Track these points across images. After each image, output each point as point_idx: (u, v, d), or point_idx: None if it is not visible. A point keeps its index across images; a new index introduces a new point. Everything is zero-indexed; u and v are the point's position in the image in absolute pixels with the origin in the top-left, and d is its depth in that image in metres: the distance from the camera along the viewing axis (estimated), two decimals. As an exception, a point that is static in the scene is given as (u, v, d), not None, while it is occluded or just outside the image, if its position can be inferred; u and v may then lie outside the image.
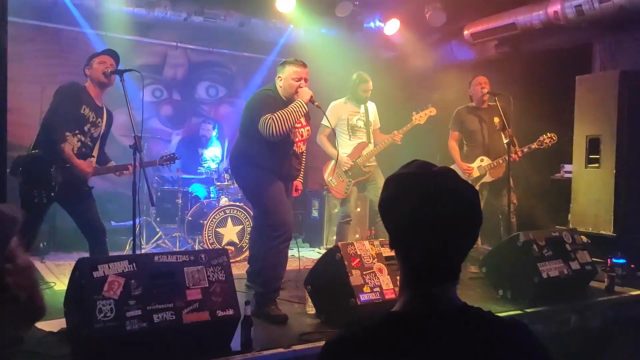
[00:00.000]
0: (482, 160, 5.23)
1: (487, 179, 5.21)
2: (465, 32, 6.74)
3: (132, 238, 4.14)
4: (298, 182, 4.27)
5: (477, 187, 5.17)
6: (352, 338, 1.16)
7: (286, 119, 3.60)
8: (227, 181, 6.14)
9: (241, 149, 3.89)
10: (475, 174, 5.21)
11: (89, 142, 3.95)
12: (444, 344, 1.11)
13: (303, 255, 5.20)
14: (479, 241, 5.55)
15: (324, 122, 4.98)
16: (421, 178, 1.18)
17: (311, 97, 3.74)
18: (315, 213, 7.13)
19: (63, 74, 6.11)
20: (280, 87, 3.82)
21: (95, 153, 4.04)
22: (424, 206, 1.15)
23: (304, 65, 3.83)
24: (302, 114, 3.72)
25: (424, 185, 1.16)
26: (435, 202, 1.14)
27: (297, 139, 3.86)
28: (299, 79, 3.76)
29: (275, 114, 3.59)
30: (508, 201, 4.98)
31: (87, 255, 3.89)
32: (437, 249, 1.15)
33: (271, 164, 3.73)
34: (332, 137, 5.15)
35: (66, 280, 2.88)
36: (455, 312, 1.17)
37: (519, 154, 5.04)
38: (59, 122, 3.79)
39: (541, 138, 5.06)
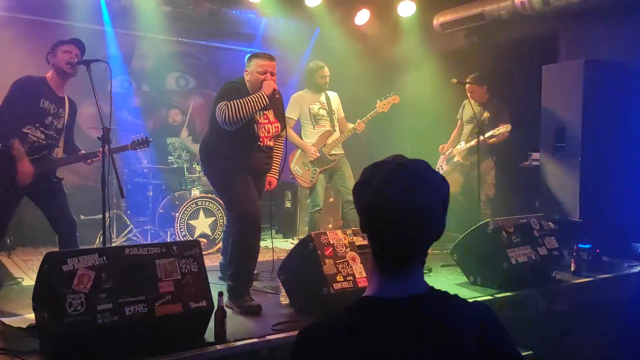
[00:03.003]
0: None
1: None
2: (435, 22, 6.79)
3: (102, 232, 4.08)
4: (272, 178, 4.25)
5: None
6: (325, 324, 1.19)
7: (240, 107, 3.58)
8: (198, 173, 6.09)
9: (207, 140, 3.92)
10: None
11: (53, 134, 3.88)
12: (412, 327, 1.15)
13: (276, 246, 5.20)
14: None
15: (287, 114, 4.99)
16: (392, 165, 1.21)
17: (274, 90, 3.71)
18: (288, 204, 7.13)
19: (28, 65, 5.95)
20: (248, 80, 3.80)
21: (61, 144, 3.97)
22: (390, 191, 1.17)
23: (271, 58, 3.80)
24: (261, 106, 3.67)
25: (393, 172, 1.19)
26: (402, 188, 1.17)
27: (262, 134, 3.82)
28: (264, 72, 3.73)
29: (230, 102, 3.59)
30: (478, 191, 5.13)
31: (56, 250, 3.82)
32: (403, 234, 1.18)
33: (235, 156, 3.73)
34: (297, 129, 5.20)
35: (34, 276, 2.82)
36: (422, 295, 1.20)
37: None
38: (11, 116, 3.70)
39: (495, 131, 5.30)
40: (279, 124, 3.96)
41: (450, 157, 6.05)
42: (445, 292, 1.25)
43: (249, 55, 3.88)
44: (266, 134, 3.86)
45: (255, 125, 3.77)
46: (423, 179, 1.20)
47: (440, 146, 6.20)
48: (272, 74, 3.76)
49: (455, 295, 1.24)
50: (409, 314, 1.16)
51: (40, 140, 3.80)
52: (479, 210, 5.27)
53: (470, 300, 1.28)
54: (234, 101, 3.60)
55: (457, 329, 1.17)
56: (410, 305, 1.18)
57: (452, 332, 1.17)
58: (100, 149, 3.80)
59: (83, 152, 4.16)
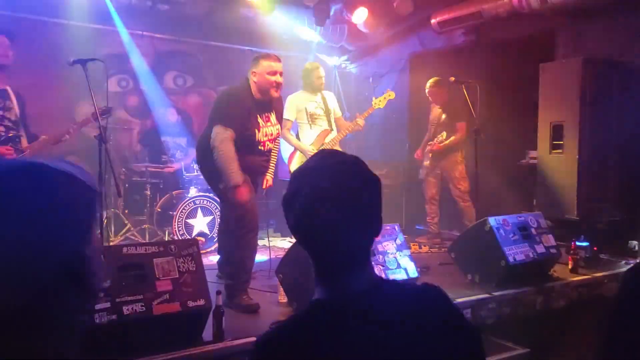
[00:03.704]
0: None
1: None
2: (433, 21, 6.79)
3: (99, 231, 4.08)
4: (269, 177, 4.27)
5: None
6: (279, 331, 1.17)
7: (222, 161, 3.56)
8: (196, 172, 6.08)
9: (206, 137, 3.87)
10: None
11: (12, 126, 3.87)
12: (366, 323, 1.13)
13: (275, 245, 5.20)
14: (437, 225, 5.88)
15: (285, 115, 5.02)
16: (316, 171, 1.18)
17: (236, 184, 3.60)
18: (286, 202, 7.11)
19: (23, 65, 5.94)
20: (255, 82, 3.74)
21: (22, 133, 3.96)
22: (313, 201, 1.14)
23: (279, 59, 3.76)
24: (227, 182, 3.59)
25: (316, 179, 1.16)
26: (324, 196, 1.13)
27: (263, 139, 3.80)
28: (274, 74, 3.69)
29: (224, 152, 3.54)
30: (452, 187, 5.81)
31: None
32: (333, 243, 1.15)
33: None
34: (296, 129, 5.21)
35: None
36: (369, 291, 1.18)
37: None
38: None
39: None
40: (279, 126, 3.97)
41: (423, 162, 6.26)
42: (394, 281, 1.24)
43: (256, 56, 3.85)
44: (268, 138, 3.85)
45: (257, 129, 3.75)
46: (347, 177, 1.16)
47: (415, 154, 6.37)
48: (280, 74, 3.74)
49: (406, 282, 1.25)
50: (360, 310, 1.15)
51: (1, 133, 3.77)
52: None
53: (420, 284, 1.28)
54: (225, 155, 3.54)
55: (411, 315, 1.16)
56: (360, 301, 1.16)
57: (407, 319, 1.16)
58: (70, 127, 3.76)
59: (44, 136, 4.09)
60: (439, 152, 6.01)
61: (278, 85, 3.71)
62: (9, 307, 0.78)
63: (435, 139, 5.99)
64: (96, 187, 0.93)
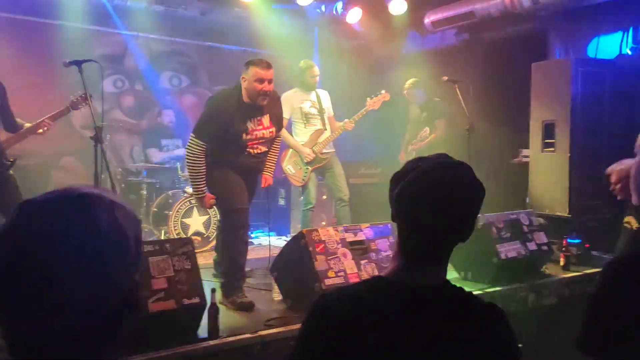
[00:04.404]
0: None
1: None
2: (426, 21, 6.84)
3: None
4: (267, 176, 4.27)
5: None
6: (339, 294, 1.24)
7: (191, 173, 3.77)
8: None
9: None
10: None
11: None
12: (420, 316, 1.19)
13: (270, 244, 5.23)
14: None
15: None
16: (434, 162, 1.26)
17: (210, 204, 3.86)
18: (281, 201, 7.16)
19: (19, 66, 5.97)
20: (245, 88, 3.75)
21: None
22: (426, 184, 1.23)
23: (269, 66, 3.73)
24: (196, 196, 3.92)
25: (434, 167, 1.25)
26: (437, 183, 1.22)
27: (252, 141, 3.80)
28: (262, 81, 3.67)
29: (198, 163, 3.71)
30: None
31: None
32: (429, 227, 1.23)
33: (222, 157, 3.76)
34: (289, 127, 5.24)
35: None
36: (437, 288, 1.24)
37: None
38: None
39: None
40: (274, 129, 3.92)
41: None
42: (460, 289, 1.27)
43: (248, 61, 3.82)
44: (257, 141, 3.83)
45: (244, 134, 3.74)
46: (459, 179, 1.25)
47: (399, 157, 6.43)
48: (269, 82, 3.70)
49: (470, 293, 1.27)
50: (417, 303, 1.20)
51: None
52: None
53: (486, 302, 1.29)
54: (196, 169, 3.73)
55: (467, 328, 1.20)
56: (420, 295, 1.21)
57: (462, 330, 1.19)
58: (45, 117, 3.82)
59: (27, 125, 4.07)
60: (421, 149, 6.08)
61: (265, 94, 3.69)
62: (80, 328, 0.84)
63: (419, 136, 6.05)
64: (136, 214, 0.98)
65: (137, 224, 0.94)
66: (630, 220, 4.15)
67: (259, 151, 3.88)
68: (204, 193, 3.78)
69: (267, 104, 3.78)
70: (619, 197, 4.39)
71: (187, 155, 3.76)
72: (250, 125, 3.76)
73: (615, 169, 4.31)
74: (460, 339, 1.18)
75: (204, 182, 3.76)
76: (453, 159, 1.29)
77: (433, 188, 1.22)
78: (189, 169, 3.80)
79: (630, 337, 1.30)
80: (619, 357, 1.32)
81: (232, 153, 3.77)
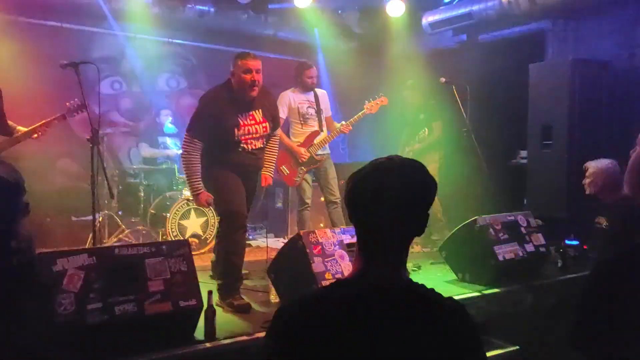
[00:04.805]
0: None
1: None
2: (424, 22, 6.84)
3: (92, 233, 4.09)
4: (267, 175, 4.30)
5: None
6: (301, 302, 1.26)
7: (185, 170, 3.81)
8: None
9: None
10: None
11: None
12: (383, 315, 1.20)
13: (268, 246, 5.23)
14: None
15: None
16: (373, 164, 1.30)
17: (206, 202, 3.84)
18: (279, 203, 7.16)
19: (16, 67, 5.96)
20: (234, 81, 3.79)
21: None
22: (367, 180, 1.27)
23: (255, 57, 3.77)
24: (191, 192, 3.87)
25: (375, 165, 1.29)
26: (378, 179, 1.26)
27: (245, 137, 3.80)
28: (249, 72, 3.70)
29: (192, 161, 3.76)
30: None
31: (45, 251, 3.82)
32: (384, 228, 1.26)
33: (219, 159, 3.77)
34: (284, 127, 5.23)
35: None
36: (396, 286, 1.26)
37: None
38: None
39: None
40: (267, 124, 3.92)
41: None
42: (422, 286, 1.29)
43: (234, 56, 3.87)
44: (252, 136, 3.84)
45: (236, 129, 3.75)
46: (407, 171, 1.28)
47: None
48: (257, 72, 3.74)
49: (432, 290, 1.29)
50: (377, 302, 1.21)
51: None
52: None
53: (447, 297, 1.31)
54: (186, 165, 3.79)
55: (428, 325, 1.21)
56: (380, 294, 1.23)
57: (423, 327, 1.21)
58: (44, 121, 3.83)
59: (21, 128, 4.04)
60: (419, 150, 6.09)
61: (254, 83, 3.73)
62: None
63: (417, 137, 6.05)
64: (19, 180, 0.96)
65: (15, 191, 0.95)
66: (600, 220, 4.19)
67: (254, 147, 3.88)
68: (200, 191, 3.79)
69: (258, 97, 3.80)
70: (587, 192, 4.50)
71: (182, 154, 3.82)
72: (241, 120, 3.78)
73: (591, 165, 4.40)
74: (422, 335, 1.20)
75: (199, 180, 3.78)
76: (401, 158, 1.32)
77: (371, 189, 1.26)
78: (184, 167, 3.83)
79: (615, 334, 1.32)
80: (607, 353, 1.34)
81: (227, 150, 3.78)
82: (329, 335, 1.17)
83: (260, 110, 3.87)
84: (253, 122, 3.83)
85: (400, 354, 1.17)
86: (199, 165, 3.77)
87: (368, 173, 1.28)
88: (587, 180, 4.39)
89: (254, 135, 3.85)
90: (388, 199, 1.25)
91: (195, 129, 3.76)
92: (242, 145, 3.81)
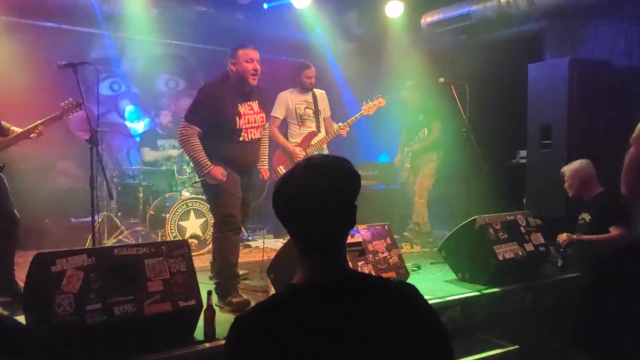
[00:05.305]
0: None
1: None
2: (423, 22, 6.85)
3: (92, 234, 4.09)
4: (263, 169, 4.32)
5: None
6: (255, 312, 1.26)
7: (191, 152, 3.73)
8: (189, 174, 6.12)
9: None
10: None
11: None
12: (336, 308, 1.22)
13: (267, 246, 5.22)
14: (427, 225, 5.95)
15: (273, 113, 5.13)
16: (299, 169, 1.32)
17: (208, 169, 3.74)
18: (279, 204, 7.14)
19: (14, 68, 5.96)
20: (234, 71, 3.84)
21: None
22: (292, 182, 1.29)
23: (254, 48, 3.89)
24: (199, 171, 3.77)
25: (296, 168, 1.32)
26: (300, 179, 1.28)
27: (246, 126, 3.85)
28: (252, 61, 3.81)
29: (193, 142, 3.72)
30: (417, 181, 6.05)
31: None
32: (314, 226, 1.28)
33: (218, 152, 3.76)
34: (283, 128, 5.24)
35: (24, 278, 2.84)
36: (343, 278, 1.29)
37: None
38: None
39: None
40: (263, 114, 4.01)
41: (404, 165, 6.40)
42: (364, 274, 1.36)
43: (231, 50, 3.94)
44: (251, 125, 3.89)
45: (237, 117, 3.80)
46: (322, 170, 1.29)
47: (395, 160, 6.50)
48: (257, 61, 3.84)
49: (378, 277, 1.32)
50: (332, 297, 1.24)
51: None
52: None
53: (392, 279, 1.36)
54: (193, 145, 3.72)
55: (380, 307, 1.24)
56: (333, 289, 1.25)
57: (377, 310, 1.24)
58: (40, 122, 3.81)
59: (16, 129, 4.01)
60: (418, 151, 6.10)
61: (256, 72, 3.82)
62: None
63: (417, 138, 6.05)
64: None
65: None
66: (584, 217, 4.28)
67: (253, 137, 3.93)
68: (211, 166, 3.72)
69: (255, 89, 3.89)
70: (570, 194, 4.64)
71: (180, 138, 3.78)
72: (242, 109, 3.83)
73: (566, 169, 4.58)
74: (379, 319, 1.22)
75: (205, 156, 3.73)
76: (318, 157, 1.35)
77: (296, 195, 1.28)
78: (185, 149, 3.79)
79: (617, 331, 1.32)
80: (608, 350, 1.35)
81: (228, 141, 3.80)
82: (288, 340, 1.18)
83: (256, 101, 3.95)
84: (252, 111, 3.90)
85: (361, 342, 1.19)
86: (199, 143, 3.74)
87: (288, 181, 1.30)
88: (566, 184, 4.58)
89: (253, 125, 3.90)
90: (315, 199, 1.26)
91: (193, 116, 3.76)
92: (242, 134, 3.85)
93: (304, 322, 1.20)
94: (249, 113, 3.87)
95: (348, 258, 3.54)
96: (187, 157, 5.89)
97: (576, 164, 4.51)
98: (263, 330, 1.20)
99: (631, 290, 1.34)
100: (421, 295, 1.32)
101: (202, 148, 3.73)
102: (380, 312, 1.23)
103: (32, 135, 3.96)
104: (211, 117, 3.74)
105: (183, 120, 3.79)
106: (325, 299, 1.23)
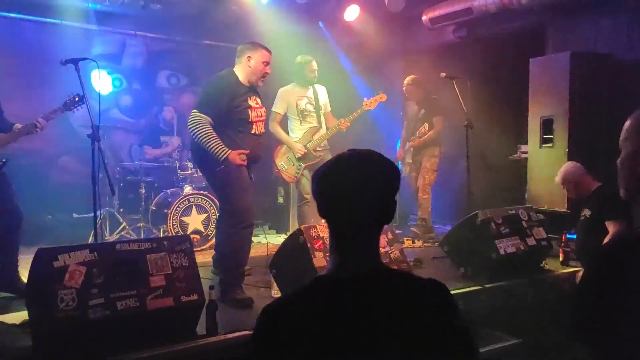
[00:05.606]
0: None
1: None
2: (424, 18, 6.83)
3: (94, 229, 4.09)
4: None
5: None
6: (284, 303, 1.28)
7: (205, 139, 3.65)
8: (191, 169, 6.12)
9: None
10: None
11: None
12: (363, 302, 1.22)
13: (270, 242, 5.23)
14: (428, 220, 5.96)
15: (274, 108, 5.13)
16: (338, 156, 1.33)
17: (225, 154, 3.69)
18: (280, 200, 7.16)
19: (16, 65, 5.96)
20: (249, 66, 3.84)
21: None
22: (340, 172, 1.30)
23: (270, 52, 3.95)
24: (215, 157, 3.67)
25: (342, 158, 1.32)
26: (350, 168, 1.29)
27: (255, 119, 3.87)
28: (267, 64, 3.88)
29: (206, 128, 3.65)
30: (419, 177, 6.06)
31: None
32: (352, 215, 1.28)
33: (230, 145, 3.74)
34: (283, 123, 5.24)
35: (27, 273, 2.85)
36: (373, 272, 1.29)
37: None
38: None
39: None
40: (265, 109, 4.05)
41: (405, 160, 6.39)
42: (395, 269, 1.35)
43: (251, 42, 3.96)
44: (259, 119, 3.92)
45: (249, 110, 3.81)
46: (369, 162, 1.31)
47: (397, 154, 6.47)
48: (269, 67, 3.91)
49: (408, 272, 1.34)
50: (357, 291, 1.23)
51: None
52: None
53: (426, 278, 1.35)
54: (207, 131, 3.65)
55: (409, 304, 1.24)
56: (358, 281, 1.25)
57: (405, 306, 1.24)
58: (40, 117, 3.81)
59: (19, 125, 4.01)
60: (419, 146, 6.09)
61: (265, 76, 3.89)
62: None
63: (417, 133, 6.05)
64: None
65: None
66: (585, 212, 4.29)
67: (261, 130, 3.97)
68: (228, 151, 3.66)
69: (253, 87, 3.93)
70: (573, 197, 4.68)
71: (191, 127, 3.69)
72: (251, 102, 3.85)
73: (558, 175, 4.63)
74: (406, 317, 1.22)
75: (219, 141, 3.67)
76: (364, 150, 1.35)
77: (340, 180, 1.28)
78: (199, 136, 3.67)
79: (612, 324, 1.33)
80: (607, 342, 1.35)
81: (240, 134, 3.80)
82: (316, 331, 1.18)
83: (259, 96, 3.98)
84: (258, 105, 3.93)
85: (385, 338, 1.19)
86: (212, 129, 3.69)
87: (336, 167, 1.31)
88: (566, 190, 4.58)
89: (260, 118, 3.93)
90: (362, 190, 1.27)
91: (204, 106, 3.72)
92: (254, 127, 3.86)
93: (330, 314, 1.20)
94: (256, 107, 3.89)
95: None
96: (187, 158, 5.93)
97: (562, 170, 4.51)
98: (290, 320, 1.21)
99: (625, 283, 1.34)
100: (451, 296, 1.31)
101: (214, 133, 3.67)
102: (407, 309, 1.23)
103: (37, 129, 3.96)
104: (224, 107, 3.72)
105: (194, 110, 3.72)
106: (353, 291, 1.23)
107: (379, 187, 1.29)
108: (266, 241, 5.04)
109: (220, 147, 3.66)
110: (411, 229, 6.10)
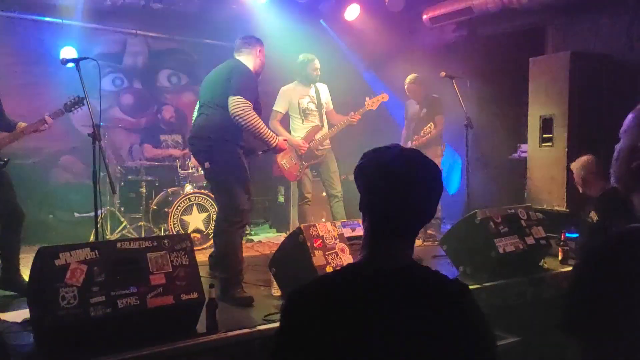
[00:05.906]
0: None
1: None
2: (424, 17, 6.84)
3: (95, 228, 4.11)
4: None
5: None
6: (311, 287, 1.28)
7: (257, 129, 3.72)
8: (191, 168, 6.14)
9: (215, 123, 3.75)
10: None
11: None
12: (388, 297, 1.23)
13: (270, 240, 5.25)
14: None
15: (275, 107, 5.14)
16: (388, 150, 1.33)
17: (276, 142, 3.86)
18: (281, 199, 7.18)
19: (17, 64, 5.98)
20: (259, 59, 3.94)
21: None
22: (385, 172, 1.29)
23: None
24: (267, 146, 3.86)
25: (388, 156, 1.32)
26: (403, 165, 1.29)
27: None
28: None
29: (255, 115, 3.69)
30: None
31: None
32: (395, 209, 1.29)
33: (243, 141, 3.77)
34: (284, 121, 5.25)
35: (28, 272, 2.87)
36: (404, 269, 1.29)
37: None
38: None
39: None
40: None
41: None
42: (428, 268, 1.34)
43: (253, 38, 4.04)
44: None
45: (259, 107, 3.87)
46: (419, 163, 1.31)
47: None
48: None
49: (436, 271, 1.32)
50: (384, 284, 1.24)
51: None
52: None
53: (452, 278, 1.34)
54: (259, 123, 3.72)
55: (434, 303, 1.25)
56: (387, 275, 1.26)
57: (429, 304, 1.24)
58: (46, 115, 3.83)
59: (23, 124, 4.01)
60: (421, 145, 6.08)
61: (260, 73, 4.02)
62: None
63: (422, 132, 6.03)
64: None
65: None
66: (592, 216, 4.24)
67: None
68: (277, 138, 3.86)
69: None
70: (580, 191, 4.61)
71: (240, 113, 3.63)
72: (260, 100, 3.93)
73: (572, 165, 4.54)
74: (428, 317, 1.22)
75: (268, 129, 3.81)
76: (405, 148, 1.36)
77: (397, 175, 1.28)
78: (250, 122, 3.66)
79: (603, 318, 1.35)
80: (596, 336, 1.37)
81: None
82: (339, 317, 1.20)
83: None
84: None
85: (404, 335, 1.20)
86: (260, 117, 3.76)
87: (381, 160, 1.31)
88: (575, 181, 4.53)
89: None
90: (411, 191, 1.28)
91: (246, 92, 3.69)
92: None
93: (356, 303, 1.21)
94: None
95: (349, 252, 3.57)
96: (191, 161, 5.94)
97: (579, 160, 4.44)
98: (316, 304, 1.22)
99: (620, 276, 1.36)
100: (474, 298, 1.30)
101: (261, 121, 3.75)
102: (430, 309, 1.23)
103: (42, 128, 3.98)
104: (256, 96, 3.78)
105: (236, 96, 3.63)
106: (380, 285, 1.24)
107: (426, 188, 1.31)
108: (267, 239, 5.04)
109: (271, 133, 3.83)
110: (427, 231, 6.06)
